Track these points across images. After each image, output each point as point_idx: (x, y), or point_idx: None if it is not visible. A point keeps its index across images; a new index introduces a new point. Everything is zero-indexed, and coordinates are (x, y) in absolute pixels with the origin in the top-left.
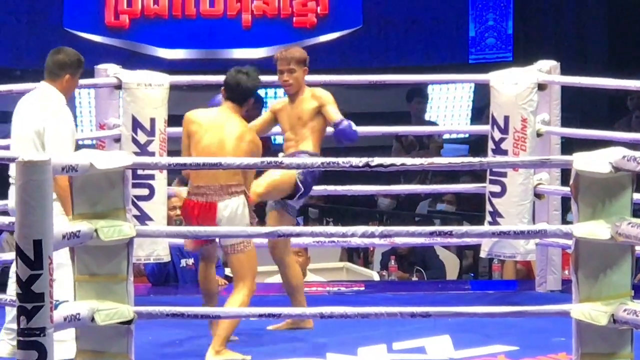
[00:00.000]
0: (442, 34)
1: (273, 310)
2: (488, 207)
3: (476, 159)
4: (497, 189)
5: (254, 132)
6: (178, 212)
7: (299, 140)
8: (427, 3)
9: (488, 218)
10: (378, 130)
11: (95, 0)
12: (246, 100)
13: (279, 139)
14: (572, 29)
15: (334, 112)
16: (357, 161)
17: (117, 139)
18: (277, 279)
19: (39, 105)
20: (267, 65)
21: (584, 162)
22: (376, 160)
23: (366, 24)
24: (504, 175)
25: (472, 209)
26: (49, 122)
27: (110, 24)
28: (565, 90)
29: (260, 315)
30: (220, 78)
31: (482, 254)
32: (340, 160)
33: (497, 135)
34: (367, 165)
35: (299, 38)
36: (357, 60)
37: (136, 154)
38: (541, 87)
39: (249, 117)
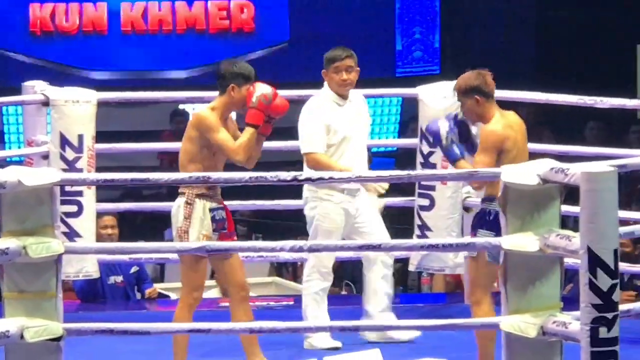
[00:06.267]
0: (369, 48)
1: (203, 325)
2: (417, 221)
3: (404, 172)
4: (425, 202)
5: None
6: (110, 231)
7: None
8: (353, 17)
9: (417, 232)
10: None
11: (21, 18)
12: None
13: None
14: (500, 42)
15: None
16: (285, 175)
17: (45, 156)
18: (210, 294)
19: None
20: (194, 82)
21: (511, 174)
22: (304, 174)
23: (294, 39)
24: (433, 188)
25: (400, 222)
26: None
27: (36, 43)
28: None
29: (191, 331)
30: (148, 94)
31: (411, 268)
32: (268, 174)
33: (426, 148)
34: (295, 179)
35: (226, 55)
36: (287, 76)
37: (64, 170)
38: None
39: None
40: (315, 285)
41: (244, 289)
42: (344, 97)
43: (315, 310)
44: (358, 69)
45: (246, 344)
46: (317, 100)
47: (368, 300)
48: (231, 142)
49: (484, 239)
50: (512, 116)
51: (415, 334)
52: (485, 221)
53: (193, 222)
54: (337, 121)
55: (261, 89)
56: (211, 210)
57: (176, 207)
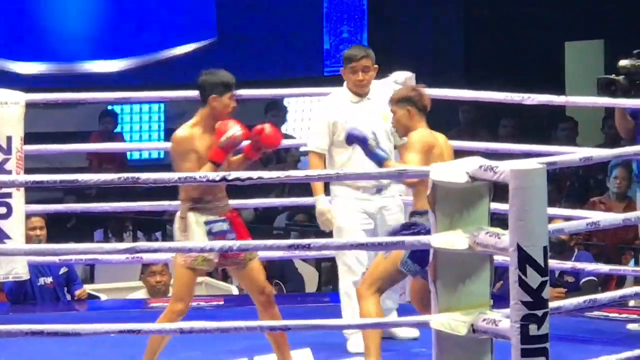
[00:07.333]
0: (296, 47)
1: (133, 326)
2: None
3: (333, 171)
4: None
5: None
6: (38, 232)
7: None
8: (281, 16)
9: None
10: None
11: None
12: None
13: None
14: (428, 40)
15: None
16: (214, 175)
17: None
18: (137, 294)
19: None
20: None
21: (440, 172)
22: (233, 174)
23: (221, 37)
24: None
25: None
26: None
27: None
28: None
29: (121, 331)
30: (76, 95)
31: None
32: (197, 174)
33: None
34: (223, 179)
35: (152, 50)
36: None
37: None
38: None
39: None
40: (344, 284)
41: (262, 292)
42: (360, 95)
43: (348, 307)
44: (376, 66)
45: (274, 346)
46: (332, 96)
47: None
48: None
49: (413, 237)
50: (440, 135)
51: (416, 332)
52: (412, 233)
53: (190, 236)
54: (348, 119)
55: (233, 130)
56: (207, 223)
57: (175, 221)
